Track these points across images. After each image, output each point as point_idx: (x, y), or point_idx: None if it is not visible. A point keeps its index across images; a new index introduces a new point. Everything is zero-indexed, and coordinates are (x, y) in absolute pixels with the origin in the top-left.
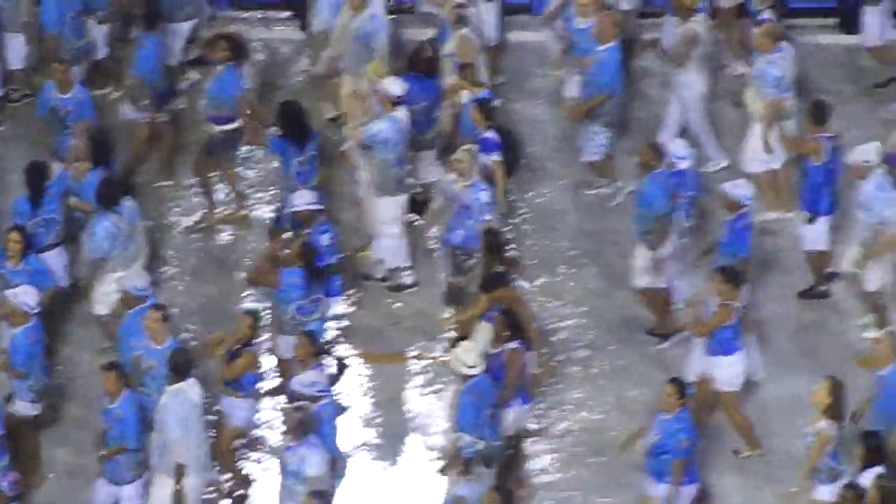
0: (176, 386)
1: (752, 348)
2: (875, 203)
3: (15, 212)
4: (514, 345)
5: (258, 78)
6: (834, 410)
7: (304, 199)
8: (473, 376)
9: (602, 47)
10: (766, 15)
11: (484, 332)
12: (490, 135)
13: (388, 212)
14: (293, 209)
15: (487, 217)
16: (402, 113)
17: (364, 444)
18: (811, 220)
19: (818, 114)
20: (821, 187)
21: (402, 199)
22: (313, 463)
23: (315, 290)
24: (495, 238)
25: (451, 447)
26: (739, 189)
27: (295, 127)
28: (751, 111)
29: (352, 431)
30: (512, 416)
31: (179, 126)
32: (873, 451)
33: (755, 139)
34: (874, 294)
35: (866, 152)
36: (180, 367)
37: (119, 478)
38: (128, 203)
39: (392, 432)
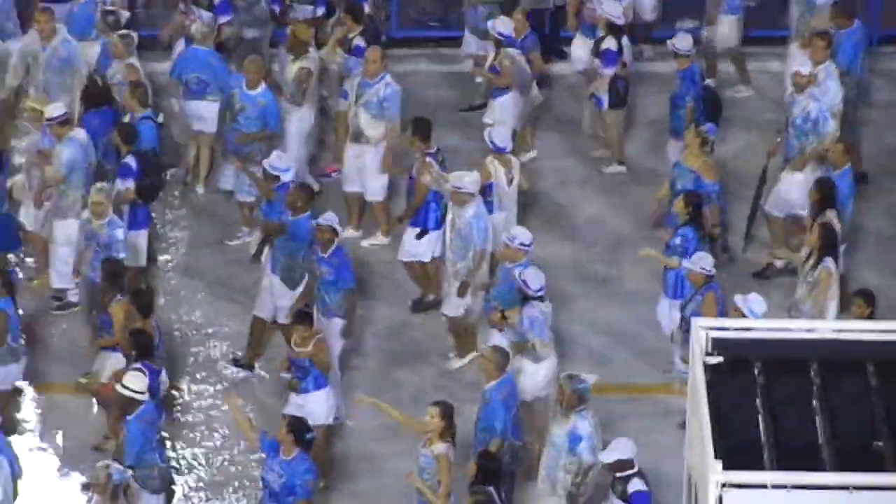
0: None
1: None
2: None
3: None
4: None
5: None
6: (450, 431)
7: None
8: (141, 403)
9: None
10: None
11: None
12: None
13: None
14: None
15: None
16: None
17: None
18: (420, 235)
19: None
20: (430, 203)
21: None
22: None
23: None
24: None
25: (100, 474)
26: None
27: None
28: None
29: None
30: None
31: None
32: (485, 469)
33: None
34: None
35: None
36: None
37: None
38: None
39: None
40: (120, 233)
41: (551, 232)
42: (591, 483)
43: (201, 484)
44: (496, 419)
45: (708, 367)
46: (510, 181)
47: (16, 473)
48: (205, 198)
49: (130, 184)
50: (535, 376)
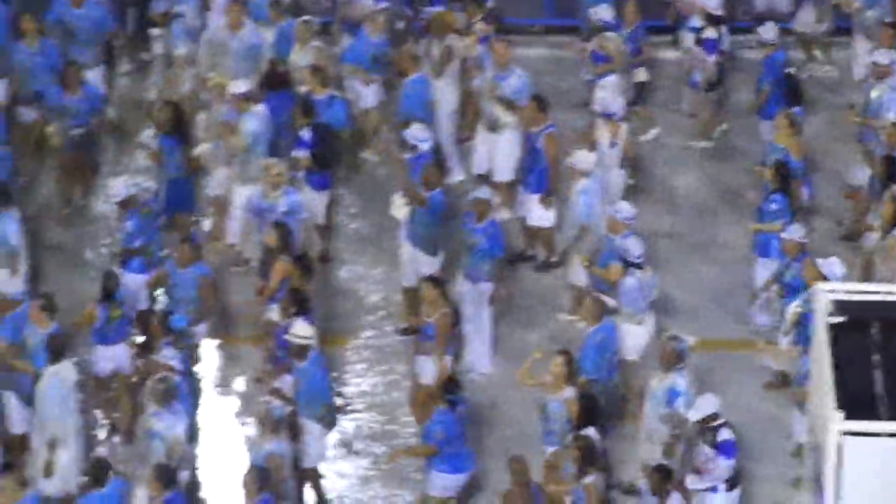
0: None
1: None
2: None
3: None
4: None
5: None
6: (573, 377)
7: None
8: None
9: None
10: None
11: None
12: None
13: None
14: None
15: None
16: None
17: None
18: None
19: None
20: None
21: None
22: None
23: None
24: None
25: (262, 409)
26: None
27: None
28: None
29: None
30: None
31: None
32: (585, 408)
33: None
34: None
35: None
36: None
37: None
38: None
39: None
40: (297, 198)
41: (651, 203)
42: (686, 435)
43: (366, 425)
44: (586, 360)
45: (830, 327)
46: (612, 144)
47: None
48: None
49: (305, 153)
50: (635, 337)
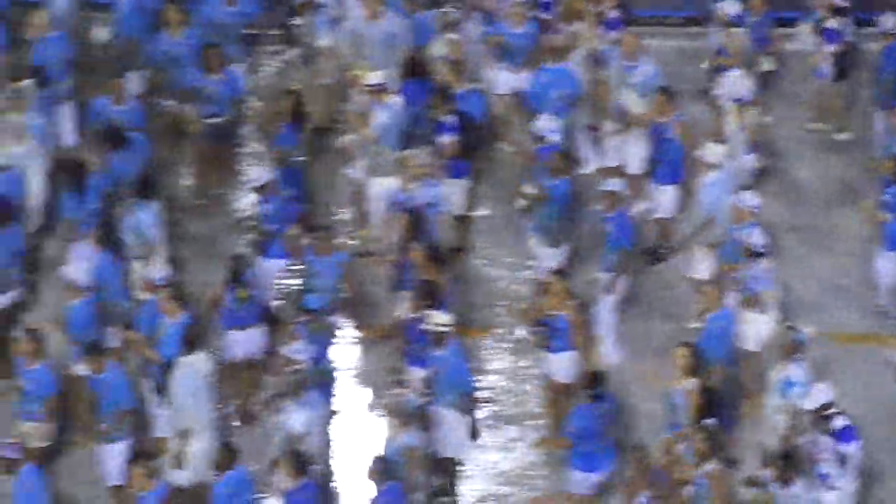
0: (189, 357)
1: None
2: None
3: (64, 208)
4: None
5: None
6: (696, 369)
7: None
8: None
9: None
10: None
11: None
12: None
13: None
14: None
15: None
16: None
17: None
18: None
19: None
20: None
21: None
22: (300, 419)
23: None
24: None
25: (395, 401)
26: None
27: None
28: None
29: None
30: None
31: None
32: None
33: None
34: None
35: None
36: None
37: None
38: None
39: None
40: (438, 189)
41: (771, 195)
42: (803, 425)
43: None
44: (707, 345)
45: None
46: (741, 129)
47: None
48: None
49: (451, 138)
50: (758, 326)
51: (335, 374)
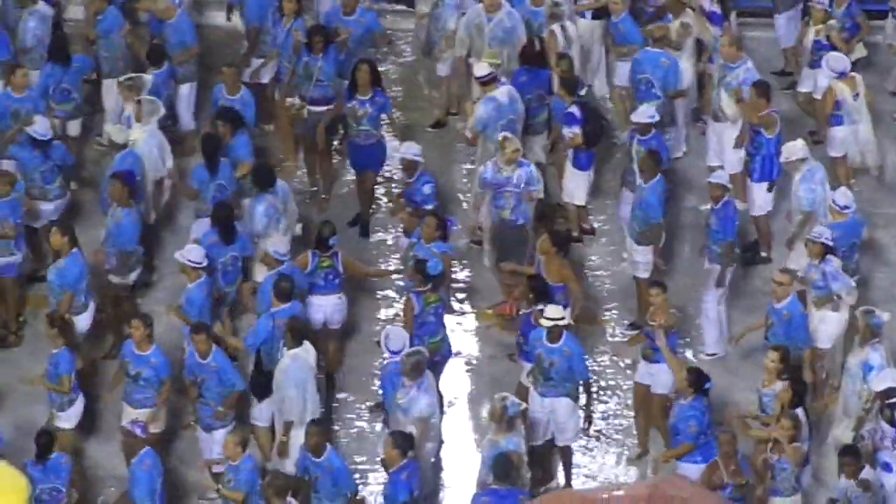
0: (295, 350)
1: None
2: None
3: (195, 178)
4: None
5: None
6: (784, 373)
7: (411, 150)
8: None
9: None
10: None
11: None
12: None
13: None
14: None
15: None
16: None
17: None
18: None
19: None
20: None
21: None
22: (423, 403)
23: None
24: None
25: (497, 406)
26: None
27: None
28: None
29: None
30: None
31: None
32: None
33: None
34: None
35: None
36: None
37: (210, 424)
38: (280, 184)
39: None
40: (531, 169)
41: (858, 181)
42: (876, 410)
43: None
44: (787, 334)
45: None
46: (855, 96)
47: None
48: None
49: (577, 130)
50: (832, 325)
51: (448, 350)
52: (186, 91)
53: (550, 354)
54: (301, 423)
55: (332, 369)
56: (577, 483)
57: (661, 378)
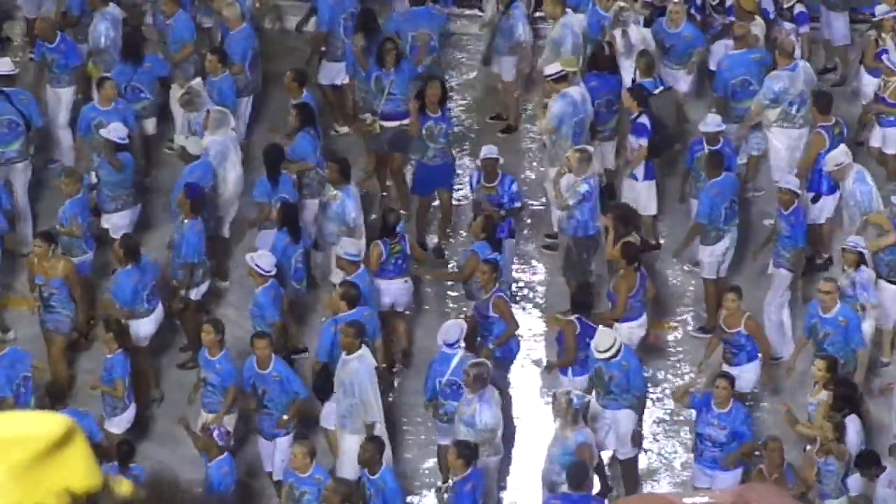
0: (359, 352)
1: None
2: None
3: (258, 192)
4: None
5: None
6: (830, 382)
7: (490, 150)
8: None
9: None
10: None
11: None
12: (642, 119)
13: None
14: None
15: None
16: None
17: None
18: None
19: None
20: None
21: None
22: (486, 415)
23: None
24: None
25: (562, 399)
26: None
27: None
28: None
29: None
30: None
31: None
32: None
33: None
34: None
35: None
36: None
37: (273, 433)
38: (350, 188)
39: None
40: (594, 182)
41: None
42: None
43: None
44: (855, 333)
45: None
46: None
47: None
48: None
49: (644, 141)
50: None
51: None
52: (247, 101)
53: (610, 369)
54: (361, 429)
55: (403, 347)
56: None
57: (743, 378)
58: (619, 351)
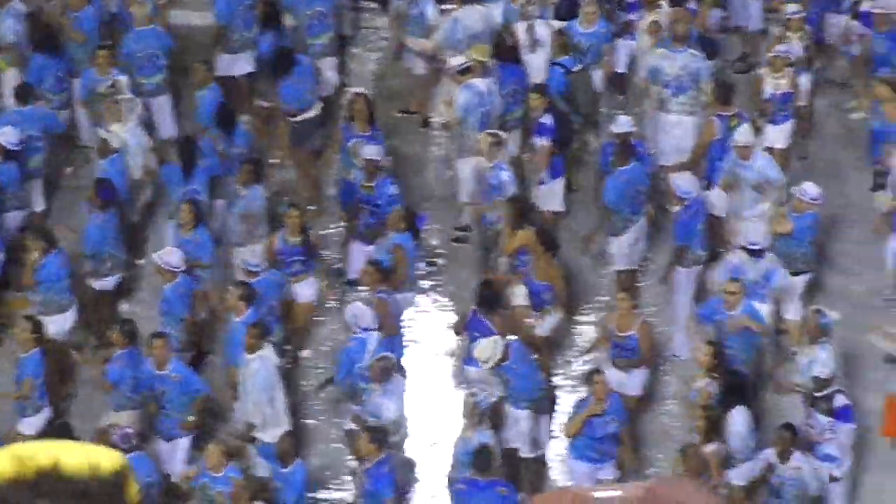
0: (260, 351)
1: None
2: None
3: (168, 181)
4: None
5: None
6: (714, 369)
7: (370, 151)
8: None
9: None
10: None
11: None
12: (545, 119)
13: None
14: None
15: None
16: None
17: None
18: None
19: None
20: None
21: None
22: (391, 409)
23: None
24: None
25: (468, 401)
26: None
27: None
28: None
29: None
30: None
31: None
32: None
33: None
34: None
35: None
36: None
37: (172, 434)
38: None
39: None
40: (504, 174)
41: None
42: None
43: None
44: None
45: None
46: None
47: None
48: None
49: (546, 141)
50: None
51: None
52: (163, 100)
53: (501, 373)
54: (270, 425)
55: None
56: None
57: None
58: (504, 359)
